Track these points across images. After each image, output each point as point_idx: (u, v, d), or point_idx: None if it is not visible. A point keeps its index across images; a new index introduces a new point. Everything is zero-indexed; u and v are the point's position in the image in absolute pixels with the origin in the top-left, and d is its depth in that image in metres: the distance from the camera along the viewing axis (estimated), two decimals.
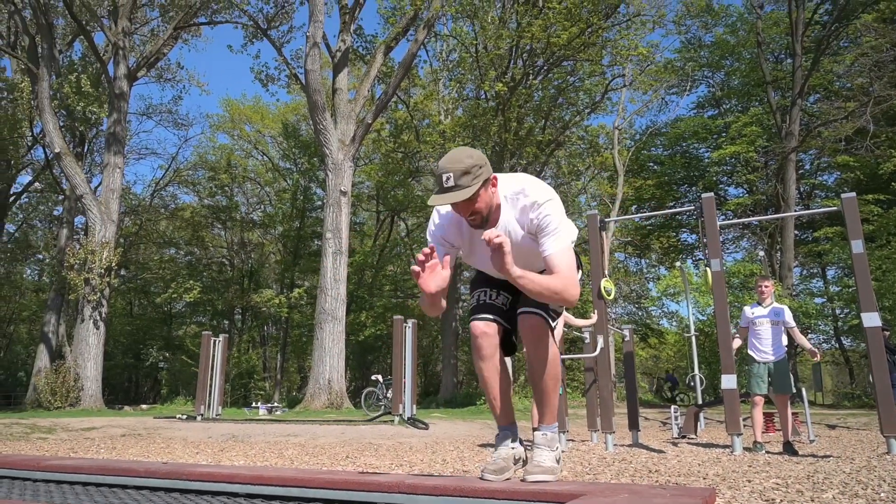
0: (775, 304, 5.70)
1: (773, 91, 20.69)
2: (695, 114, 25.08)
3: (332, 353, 13.20)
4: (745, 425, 6.05)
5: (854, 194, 5.31)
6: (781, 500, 2.38)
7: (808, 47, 19.51)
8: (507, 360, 2.32)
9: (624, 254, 25.53)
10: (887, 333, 11.11)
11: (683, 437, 7.41)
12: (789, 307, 5.89)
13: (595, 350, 5.74)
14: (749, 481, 2.96)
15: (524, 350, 2.20)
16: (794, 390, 5.54)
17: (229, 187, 26.66)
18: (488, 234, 1.82)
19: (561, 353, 6.28)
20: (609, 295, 5.76)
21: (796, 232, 20.45)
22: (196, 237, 25.97)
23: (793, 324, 5.62)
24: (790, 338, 5.66)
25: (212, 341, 10.50)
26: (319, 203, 25.09)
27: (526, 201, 2.04)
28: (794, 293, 18.38)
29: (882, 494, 2.50)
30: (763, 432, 8.53)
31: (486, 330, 2.18)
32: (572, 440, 6.79)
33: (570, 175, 19.66)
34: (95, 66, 17.92)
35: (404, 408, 8.50)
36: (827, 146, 20.00)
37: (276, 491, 1.98)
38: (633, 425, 6.33)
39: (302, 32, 18.09)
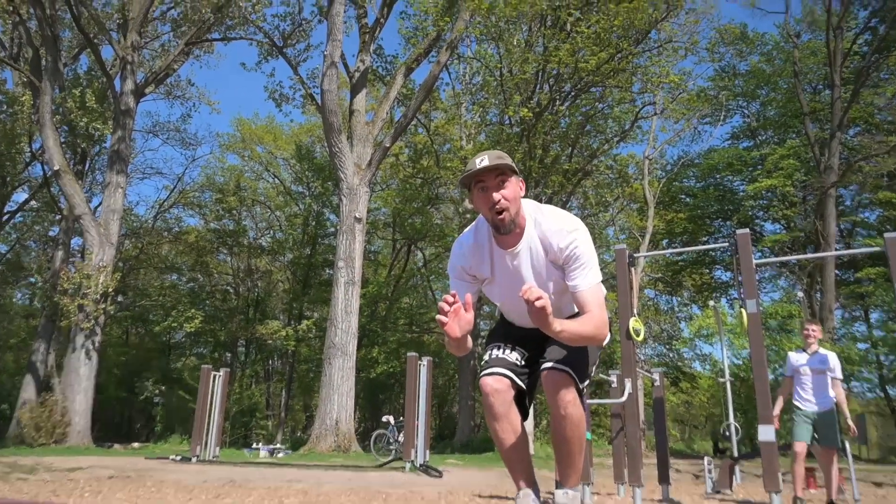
0: (821, 351, 5.58)
1: (811, 123, 20.49)
2: (729, 145, 24.96)
3: (341, 391, 12.87)
4: (784, 481, 5.83)
5: None
6: None
7: (847, 78, 19.36)
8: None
9: (654, 291, 25.23)
10: None
11: (717, 492, 7.20)
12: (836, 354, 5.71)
13: (622, 395, 5.53)
14: None
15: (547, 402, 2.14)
16: (840, 445, 5.38)
17: (237, 210, 26.67)
18: (529, 294, 1.83)
19: (586, 397, 6.05)
20: (638, 336, 5.61)
21: (837, 272, 20.01)
22: (200, 263, 25.88)
23: (839, 375, 5.47)
24: None
25: (212, 375, 10.23)
26: (332, 229, 25.02)
27: (553, 226, 2.08)
28: (835, 337, 17.85)
29: None
30: (804, 488, 8.15)
31: (497, 386, 2.14)
32: (597, 493, 6.51)
33: (598, 206, 19.43)
34: (101, 81, 18.01)
35: (416, 453, 8.27)
36: (868, 182, 19.72)
37: None
38: (664, 478, 6.13)
39: (319, 51, 18.22)
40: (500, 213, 2.04)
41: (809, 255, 20.15)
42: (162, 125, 24.39)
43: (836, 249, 17.94)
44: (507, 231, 2.07)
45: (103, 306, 14.34)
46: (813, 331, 5.64)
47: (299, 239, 25.95)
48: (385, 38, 71.06)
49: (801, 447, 5.34)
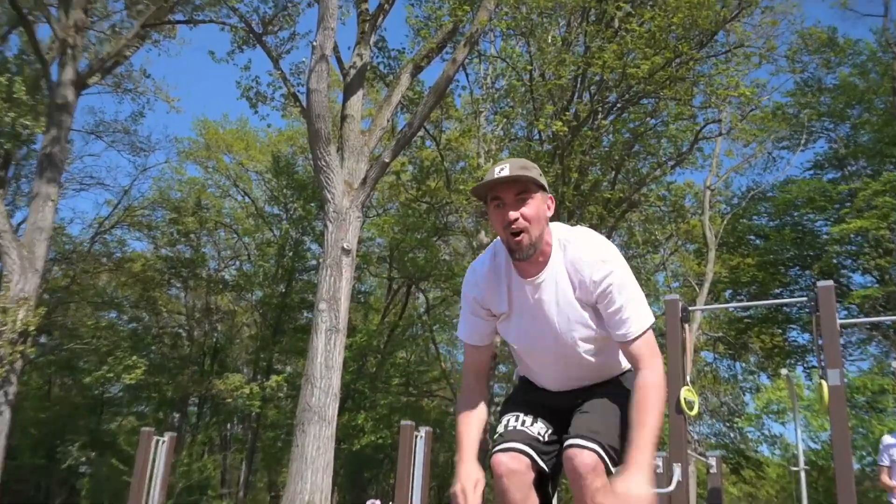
0: None
1: None
2: (811, 175, 25.21)
3: (316, 467, 12.63)
4: None
5: None
6: None
7: None
8: None
9: (713, 354, 25.13)
10: None
11: None
12: None
13: (670, 483, 5.60)
14: None
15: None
16: None
17: (196, 234, 26.72)
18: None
19: None
20: (692, 410, 5.69)
21: None
22: (146, 298, 25.82)
23: None
24: None
25: (153, 441, 10.11)
26: (314, 262, 25.00)
27: (585, 254, 2.08)
28: None
29: None
30: None
31: (512, 466, 2.12)
32: None
33: (646, 245, 19.44)
34: (34, 68, 18.16)
35: None
36: None
37: None
38: None
39: (307, 41, 18.34)
40: (518, 234, 2.03)
41: None
42: (107, 125, 24.49)
43: None
44: (524, 257, 2.06)
45: (21, 348, 14.23)
46: None
47: (272, 273, 25.92)
48: (389, 29, 72.03)
49: None
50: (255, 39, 16.36)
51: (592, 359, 2.18)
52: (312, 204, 23.68)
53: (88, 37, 18.26)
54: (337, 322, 13.61)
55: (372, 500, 13.20)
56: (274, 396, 22.88)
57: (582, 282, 2.07)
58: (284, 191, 26.00)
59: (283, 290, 25.55)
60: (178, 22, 18.32)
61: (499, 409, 2.65)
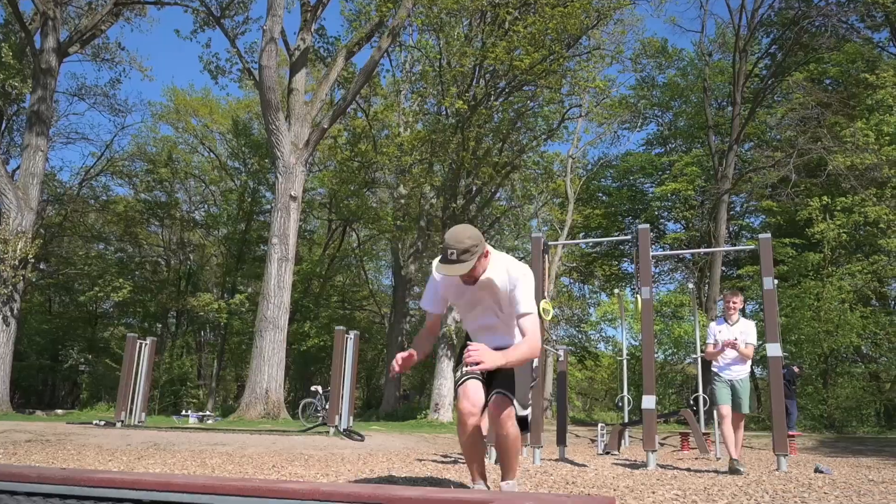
0: (742, 321, 5.43)
1: (714, 135, 21.54)
2: (643, 150, 25.85)
3: (272, 363, 12.51)
4: (660, 443, 6.13)
5: (769, 235, 5.69)
6: None
7: (747, 97, 20.44)
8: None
9: (569, 279, 25.83)
10: (797, 370, 11.57)
11: (607, 453, 7.60)
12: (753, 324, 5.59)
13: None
14: (653, 492, 3.16)
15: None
16: (749, 410, 5.39)
17: (169, 182, 25.25)
18: (475, 357, 2.40)
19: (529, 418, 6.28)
20: (547, 315, 5.74)
21: (723, 268, 21.44)
22: (129, 233, 24.39)
23: (752, 341, 5.35)
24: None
25: (137, 344, 9.65)
26: (268, 207, 24.24)
27: (512, 271, 2.64)
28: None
29: None
30: (679, 449, 8.71)
31: (473, 411, 2.62)
32: None
33: (524, 199, 19.62)
34: (20, 36, 16.37)
35: (340, 419, 8.21)
36: (755, 191, 21.04)
37: (184, 498, 1.81)
38: (561, 441, 6.55)
39: (258, 25, 17.31)
40: (468, 281, 2.65)
41: (698, 250, 21.35)
42: (88, 89, 22.52)
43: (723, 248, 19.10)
44: (472, 283, 2.67)
45: (22, 273, 13.20)
46: (734, 303, 5.50)
47: (234, 214, 24.95)
48: (327, 19, 68.74)
49: (726, 409, 5.31)
50: (214, 21, 15.24)
51: (497, 321, 2.75)
52: (266, 160, 22.80)
53: (68, 11, 16.53)
54: (287, 253, 13.31)
55: (315, 386, 13.19)
56: (238, 310, 22.28)
57: (507, 282, 2.63)
58: (243, 149, 24.84)
59: (244, 228, 24.75)
60: (147, 2, 16.81)
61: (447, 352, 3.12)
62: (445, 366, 15.49)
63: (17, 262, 13.02)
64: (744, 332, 5.35)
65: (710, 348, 5.51)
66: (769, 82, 20.08)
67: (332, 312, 22.89)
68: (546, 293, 5.97)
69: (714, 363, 5.45)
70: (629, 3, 16.42)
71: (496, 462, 3.90)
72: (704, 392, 8.19)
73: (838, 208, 17.27)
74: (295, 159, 13.59)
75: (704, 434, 7.94)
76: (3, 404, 12.70)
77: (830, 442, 11.32)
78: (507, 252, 22.73)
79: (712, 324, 5.63)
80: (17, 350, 13.90)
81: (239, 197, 24.90)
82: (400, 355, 2.61)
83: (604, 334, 26.24)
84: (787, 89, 20.24)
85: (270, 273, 13.10)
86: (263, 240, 23.43)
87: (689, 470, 5.18)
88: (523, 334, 2.59)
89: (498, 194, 19.16)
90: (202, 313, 22.47)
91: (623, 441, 8.73)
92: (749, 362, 5.39)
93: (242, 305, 21.88)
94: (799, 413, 12.96)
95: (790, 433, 9.60)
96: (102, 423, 9.31)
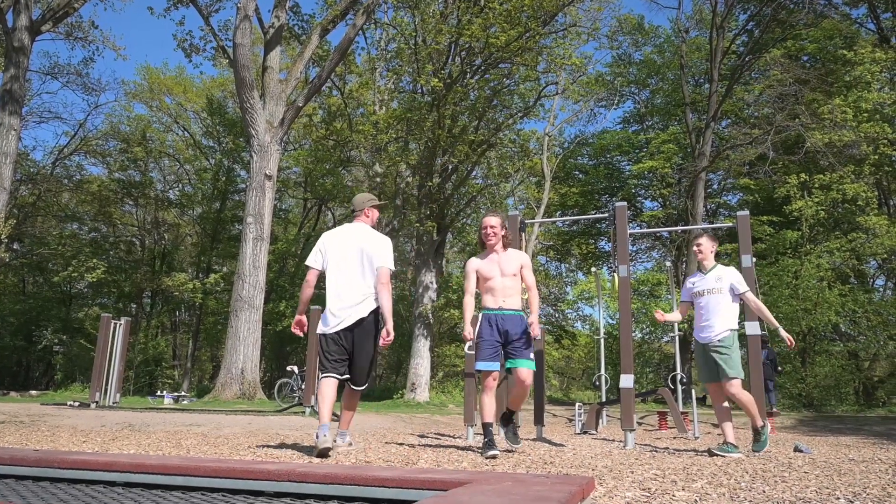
0: (719, 268, 4.72)
1: (691, 112, 21.68)
2: (620, 128, 25.96)
3: (247, 343, 12.56)
4: (638, 422, 5.99)
5: (747, 213, 5.63)
6: (657, 489, 2.59)
7: (724, 74, 20.55)
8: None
9: (546, 257, 26.00)
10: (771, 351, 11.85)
11: (585, 432, 7.61)
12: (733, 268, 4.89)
13: None
14: (632, 472, 3.17)
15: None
16: (733, 376, 4.47)
17: (144, 162, 24.92)
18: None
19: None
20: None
21: None
22: (103, 213, 24.07)
23: (743, 288, 4.58)
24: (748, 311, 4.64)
25: (112, 324, 9.68)
26: (242, 185, 24.02)
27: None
28: None
29: (743, 484, 2.81)
30: (657, 429, 8.72)
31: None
32: (480, 434, 6.79)
33: (500, 177, 19.64)
34: None
35: (316, 399, 8.22)
36: (732, 168, 21.20)
37: (158, 479, 1.84)
38: (539, 420, 6.52)
39: (232, 2, 17.07)
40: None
41: (676, 228, 21.58)
42: (61, 67, 22.16)
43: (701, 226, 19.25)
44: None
45: None
46: (698, 246, 4.80)
47: (209, 193, 24.72)
48: None
49: (710, 387, 4.64)
50: None
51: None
52: (241, 138, 22.55)
53: None
54: (262, 232, 13.31)
55: (291, 366, 13.30)
56: (213, 290, 22.20)
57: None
58: (217, 127, 24.53)
59: (219, 207, 24.56)
60: None
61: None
62: (422, 345, 15.69)
63: None
64: (721, 278, 4.66)
65: (678, 311, 5.01)
66: (746, 59, 20.15)
67: None
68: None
69: (695, 326, 4.80)
70: None
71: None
72: (682, 370, 8.24)
73: (816, 186, 17.33)
74: (270, 138, 13.53)
75: (682, 413, 7.87)
76: None
77: (809, 421, 11.26)
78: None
79: (687, 280, 4.98)
80: None
81: (213, 176, 24.63)
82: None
83: (581, 313, 26.36)
84: (764, 66, 20.31)
85: (245, 252, 13.10)
86: (238, 219, 23.32)
87: (667, 449, 5.11)
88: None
89: (474, 173, 19.23)
90: (177, 293, 22.35)
91: (601, 420, 8.64)
92: (728, 318, 4.59)
93: (217, 285, 21.80)
94: (777, 392, 12.94)
95: (770, 410, 9.75)
96: (77, 404, 9.36)
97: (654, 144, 22.11)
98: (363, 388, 4.14)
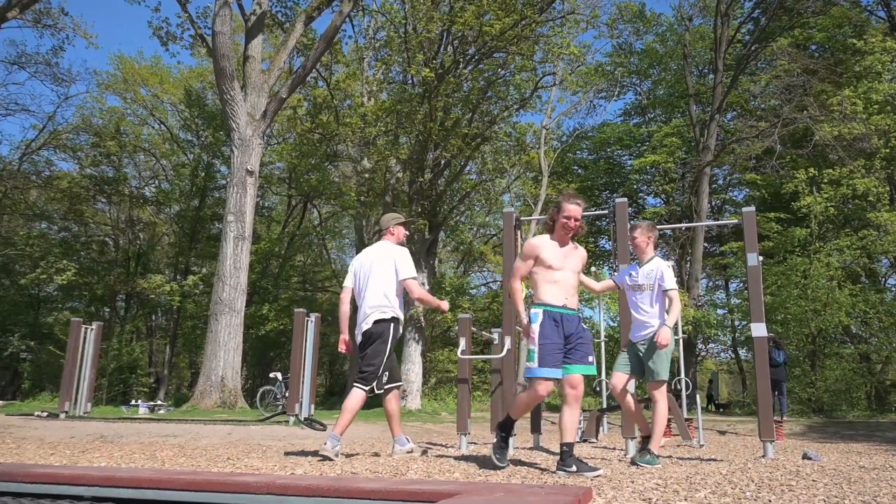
0: (656, 260, 4.58)
1: (695, 104, 21.80)
2: (621, 120, 26.16)
3: (228, 348, 12.51)
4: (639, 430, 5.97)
5: (753, 209, 5.55)
6: (658, 500, 2.57)
7: (729, 65, 20.68)
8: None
9: None
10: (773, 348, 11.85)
11: (584, 440, 7.64)
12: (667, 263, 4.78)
13: (502, 351, 5.71)
14: (632, 482, 3.18)
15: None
16: (661, 379, 4.42)
17: (117, 157, 24.83)
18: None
19: (472, 354, 6.71)
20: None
21: (705, 244, 21.77)
22: (74, 211, 23.94)
23: (670, 285, 4.48)
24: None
25: (83, 329, 9.62)
26: (223, 182, 23.94)
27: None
28: (699, 304, 19.41)
29: (748, 493, 2.82)
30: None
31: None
32: (474, 443, 6.81)
33: (495, 172, 19.69)
34: None
35: (301, 407, 8.28)
36: (738, 163, 21.32)
37: (129, 493, 1.82)
38: (536, 429, 6.50)
39: None
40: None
41: (679, 225, 21.67)
42: (29, 56, 21.98)
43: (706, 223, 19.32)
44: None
45: None
46: (633, 237, 4.66)
47: (187, 190, 24.62)
48: None
49: (615, 378, 4.54)
50: None
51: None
52: (221, 132, 22.48)
53: None
54: (243, 231, 13.25)
55: (274, 373, 13.27)
56: (191, 292, 22.11)
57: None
58: (196, 120, 24.43)
59: (197, 205, 24.47)
60: None
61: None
62: (413, 350, 15.71)
63: None
64: (649, 274, 4.54)
65: (604, 283, 4.93)
66: (752, 48, 20.26)
67: (292, 294, 22.83)
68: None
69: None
70: None
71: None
72: (687, 375, 8.28)
73: (825, 181, 17.39)
74: (251, 131, 13.49)
75: (686, 420, 7.89)
76: None
77: (819, 427, 11.28)
78: (477, 229, 22.64)
79: (627, 268, 4.87)
80: None
81: (192, 172, 24.55)
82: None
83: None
84: (771, 55, 20.43)
85: (226, 252, 13.05)
86: (218, 217, 23.23)
87: (670, 458, 5.12)
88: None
89: (468, 168, 19.26)
90: (153, 296, 22.28)
91: (601, 428, 8.68)
92: (663, 318, 4.48)
93: (196, 287, 21.73)
94: (787, 398, 12.88)
95: (781, 419, 9.79)
96: (45, 414, 9.30)
97: (656, 138, 22.24)
98: (364, 387, 4.46)
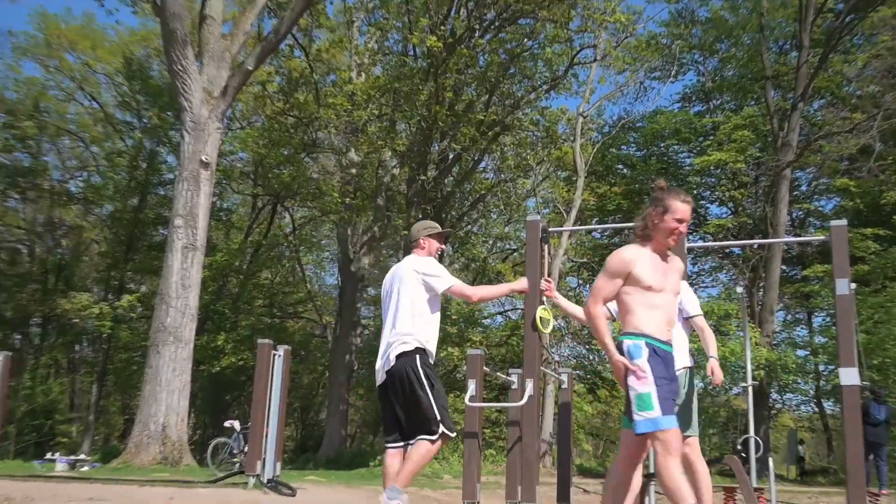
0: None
1: (773, 89, 21.80)
2: (679, 107, 26.15)
3: (172, 388, 12.54)
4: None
5: (845, 223, 5.48)
6: None
7: (818, 39, 20.67)
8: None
9: (577, 278, 25.99)
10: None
11: None
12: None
13: (523, 398, 5.49)
14: None
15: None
16: (692, 434, 4.52)
17: (36, 141, 25.06)
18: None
19: (483, 401, 6.84)
20: (546, 327, 5.42)
21: (783, 267, 21.61)
22: None
23: (694, 311, 4.72)
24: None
25: None
26: (170, 176, 24.10)
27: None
28: (773, 342, 19.28)
29: None
30: None
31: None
32: None
33: (517, 170, 19.74)
34: None
35: (264, 466, 8.18)
36: (827, 164, 21.26)
37: None
38: (563, 497, 6.39)
39: None
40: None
41: (751, 242, 21.59)
42: None
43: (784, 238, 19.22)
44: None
45: None
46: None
47: (123, 185, 24.82)
48: None
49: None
50: None
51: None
52: (169, 112, 22.64)
53: None
54: (194, 239, 13.28)
55: (231, 421, 13.23)
56: (126, 317, 22.14)
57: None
58: (137, 96, 24.61)
59: (137, 205, 24.63)
60: None
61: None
62: None
63: None
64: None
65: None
66: (846, 19, 20.27)
67: (255, 321, 22.79)
68: (544, 298, 5.79)
69: None
70: None
71: None
72: (757, 433, 8.27)
73: None
74: (208, 112, 13.57)
75: (756, 490, 7.66)
76: None
77: None
78: (493, 241, 22.72)
79: None
80: None
81: (130, 162, 24.74)
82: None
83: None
84: (870, 29, 20.43)
85: (172, 266, 13.09)
86: (163, 221, 23.28)
87: None
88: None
89: (483, 164, 19.32)
90: (77, 320, 22.32)
91: (647, 498, 8.73)
92: (683, 352, 4.60)
93: (133, 310, 21.76)
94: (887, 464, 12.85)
95: (879, 492, 9.67)
96: None
97: (723, 130, 22.19)
98: (430, 436, 4.26)
